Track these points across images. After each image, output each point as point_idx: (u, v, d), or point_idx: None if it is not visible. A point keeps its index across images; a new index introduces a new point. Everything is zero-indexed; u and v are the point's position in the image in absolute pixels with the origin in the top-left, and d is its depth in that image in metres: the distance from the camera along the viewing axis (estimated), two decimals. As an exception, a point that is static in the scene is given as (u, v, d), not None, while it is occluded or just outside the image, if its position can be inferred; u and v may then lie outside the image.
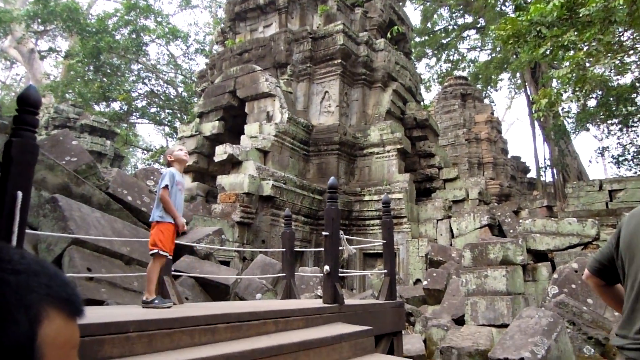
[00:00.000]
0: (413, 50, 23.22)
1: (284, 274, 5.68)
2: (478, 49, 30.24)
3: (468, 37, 29.77)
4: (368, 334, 4.03)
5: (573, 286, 6.30)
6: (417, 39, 27.26)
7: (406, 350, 6.01)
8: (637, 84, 22.24)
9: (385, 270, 5.36)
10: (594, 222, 8.38)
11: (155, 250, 3.78)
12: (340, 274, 4.81)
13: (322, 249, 4.79)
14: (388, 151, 13.22)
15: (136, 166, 33.08)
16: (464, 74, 27.16)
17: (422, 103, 19.44)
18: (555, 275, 6.76)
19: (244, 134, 12.63)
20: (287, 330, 3.70)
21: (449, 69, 29.36)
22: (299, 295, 5.88)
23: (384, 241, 5.41)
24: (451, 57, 29.82)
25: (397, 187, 12.61)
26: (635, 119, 23.02)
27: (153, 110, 28.87)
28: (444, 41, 28.04)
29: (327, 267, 4.43)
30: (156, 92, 28.54)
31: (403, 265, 12.40)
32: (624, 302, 2.00)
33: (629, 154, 23.67)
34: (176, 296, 4.15)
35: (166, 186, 3.85)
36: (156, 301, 3.70)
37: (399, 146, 13.14)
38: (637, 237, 1.91)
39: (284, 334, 3.57)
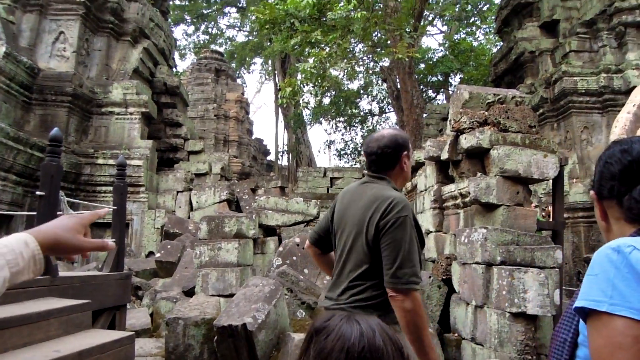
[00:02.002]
0: (171, 11, 22.07)
1: (-22, 242, 4.56)
2: (237, 29, 30.87)
3: (229, 14, 30.07)
4: (84, 308, 3.55)
5: (294, 258, 7.00)
6: (177, 1, 26.05)
7: (131, 325, 5.65)
8: (362, 91, 26.53)
9: (114, 240, 4.86)
10: (316, 202, 9.53)
11: None
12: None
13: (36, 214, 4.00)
14: (131, 113, 12.15)
15: None
16: (221, 49, 27.27)
17: (174, 69, 18.64)
18: (280, 249, 7.38)
19: None
20: (-29, 310, 2.95)
21: (206, 42, 29.08)
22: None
23: (115, 207, 4.89)
24: (210, 30, 29.60)
25: (138, 154, 11.76)
26: (357, 120, 27.44)
27: None
28: (204, 11, 27.57)
29: (38, 233, 3.72)
30: None
31: (136, 237, 11.70)
32: (334, 268, 2.25)
33: (349, 149, 28.11)
34: None
35: None
36: None
37: (144, 110, 12.23)
38: (348, 211, 2.14)
39: (-34, 314, 2.83)
